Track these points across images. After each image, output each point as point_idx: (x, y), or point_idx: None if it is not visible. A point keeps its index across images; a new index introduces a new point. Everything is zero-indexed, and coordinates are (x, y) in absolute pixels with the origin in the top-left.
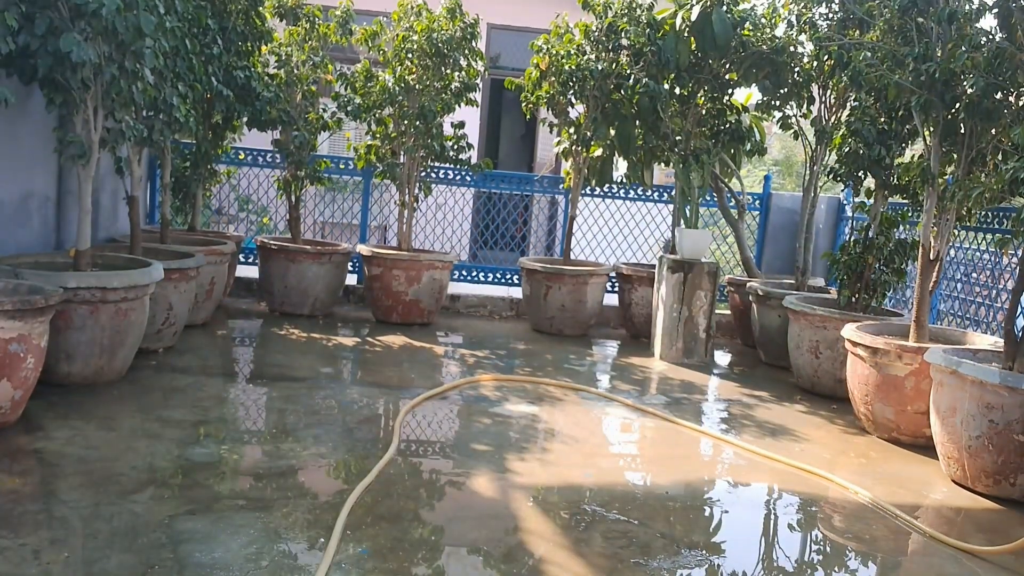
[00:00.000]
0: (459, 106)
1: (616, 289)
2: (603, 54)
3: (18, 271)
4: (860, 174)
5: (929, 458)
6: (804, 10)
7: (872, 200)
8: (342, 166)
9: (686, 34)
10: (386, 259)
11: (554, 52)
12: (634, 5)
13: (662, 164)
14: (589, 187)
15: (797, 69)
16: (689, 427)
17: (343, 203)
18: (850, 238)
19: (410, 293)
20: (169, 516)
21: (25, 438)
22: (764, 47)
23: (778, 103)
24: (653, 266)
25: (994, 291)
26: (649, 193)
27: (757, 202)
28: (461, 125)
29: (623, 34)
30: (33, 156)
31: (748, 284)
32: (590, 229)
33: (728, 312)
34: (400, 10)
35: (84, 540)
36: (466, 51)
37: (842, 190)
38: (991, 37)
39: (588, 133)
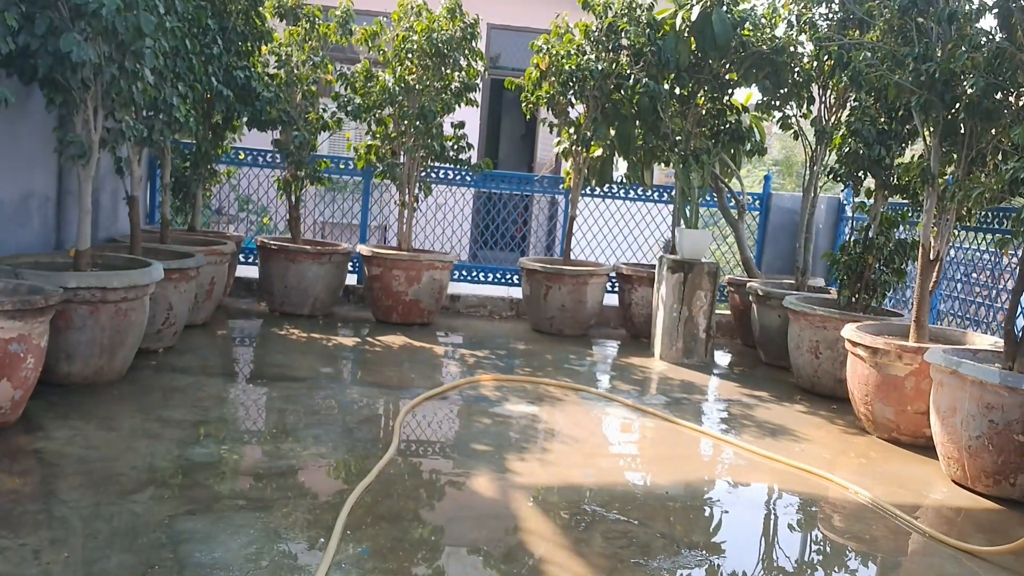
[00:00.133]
0: (459, 106)
1: (616, 289)
2: (603, 54)
3: (18, 271)
4: (860, 174)
5: (929, 458)
6: (804, 10)
7: (872, 200)
8: (342, 166)
9: (686, 34)
10: (386, 259)
11: (554, 52)
12: (634, 5)
13: (662, 164)
14: (589, 187)
15: (797, 69)
16: (689, 427)
17: (343, 203)
18: (850, 238)
19: (410, 293)
20: (169, 516)
21: (25, 438)
22: (764, 47)
23: (778, 103)
24: (653, 266)
25: (994, 291)
26: (649, 193)
27: (757, 202)
28: (461, 125)
29: (623, 34)
30: (33, 156)
31: (748, 284)
32: (590, 229)
33: (728, 312)
34: (400, 10)
35: (84, 540)
36: (466, 51)
37: (842, 190)
38: (991, 37)
39: (588, 133)
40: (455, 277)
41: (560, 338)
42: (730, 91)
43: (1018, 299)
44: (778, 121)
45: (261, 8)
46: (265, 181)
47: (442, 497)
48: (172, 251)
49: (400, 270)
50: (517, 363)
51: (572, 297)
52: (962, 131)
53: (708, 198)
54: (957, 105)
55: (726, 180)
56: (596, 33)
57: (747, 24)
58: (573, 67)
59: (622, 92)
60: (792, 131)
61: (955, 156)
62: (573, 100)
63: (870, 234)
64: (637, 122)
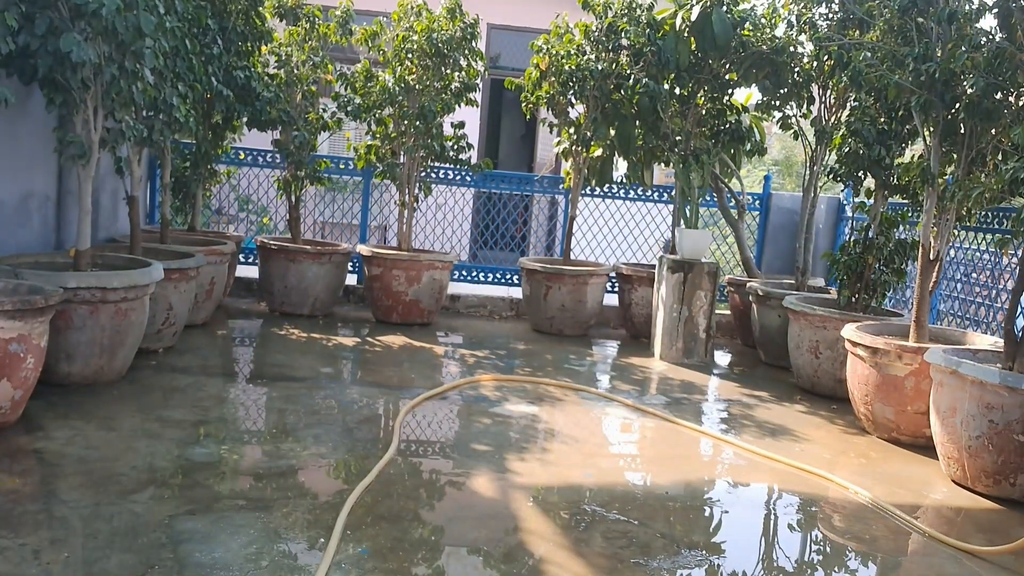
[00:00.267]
0: (459, 106)
1: (616, 289)
2: (603, 54)
3: (18, 271)
4: (860, 174)
5: (929, 458)
6: (804, 10)
7: (872, 200)
8: (342, 166)
9: (686, 34)
10: (386, 259)
11: (554, 52)
12: (634, 5)
13: (662, 164)
14: (589, 187)
15: (797, 69)
16: (689, 427)
17: (343, 203)
18: (850, 238)
19: (410, 293)
20: (169, 516)
21: (25, 438)
22: (764, 47)
23: (778, 103)
24: (653, 266)
25: (994, 291)
26: (649, 193)
27: (757, 202)
28: (461, 125)
29: (623, 34)
30: (33, 156)
31: (748, 284)
32: (590, 229)
33: (728, 312)
34: (400, 10)
35: (84, 540)
36: (466, 51)
37: (842, 190)
38: (991, 37)
39: (588, 133)
40: (455, 277)
41: (560, 338)
42: (730, 91)
43: (1018, 299)
44: (778, 121)
45: (261, 8)
46: (265, 181)
47: (442, 497)
48: (172, 251)
49: (400, 270)
50: (517, 363)
51: (572, 297)
52: (962, 131)
53: (708, 198)
54: (957, 105)
55: (726, 180)
56: (596, 33)
57: (747, 24)
58: (573, 67)
59: (622, 92)
60: (792, 131)
61: (955, 156)
62: (573, 100)
63: (870, 234)
64: (637, 122)
